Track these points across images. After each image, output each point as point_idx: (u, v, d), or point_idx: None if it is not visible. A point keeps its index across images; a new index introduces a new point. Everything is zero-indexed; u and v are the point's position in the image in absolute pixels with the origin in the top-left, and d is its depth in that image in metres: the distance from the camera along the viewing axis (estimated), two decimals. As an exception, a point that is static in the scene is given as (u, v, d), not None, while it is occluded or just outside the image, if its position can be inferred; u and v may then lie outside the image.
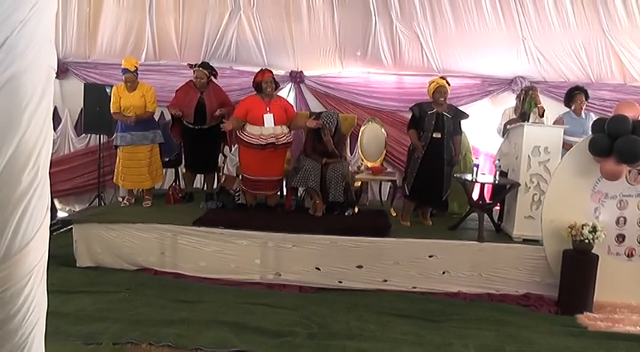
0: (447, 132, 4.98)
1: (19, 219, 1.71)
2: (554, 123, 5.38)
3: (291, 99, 6.47)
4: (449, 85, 5.06)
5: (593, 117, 5.30)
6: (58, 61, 6.29)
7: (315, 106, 6.72)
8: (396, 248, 4.65)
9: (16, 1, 1.65)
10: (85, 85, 6.38)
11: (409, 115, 5.27)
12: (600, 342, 3.70)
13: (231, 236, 4.72)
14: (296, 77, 6.76)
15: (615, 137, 4.11)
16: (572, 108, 5.48)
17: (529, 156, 4.74)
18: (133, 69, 5.27)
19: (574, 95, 5.47)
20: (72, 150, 6.85)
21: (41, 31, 1.72)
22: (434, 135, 4.97)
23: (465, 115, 5.10)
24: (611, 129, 4.15)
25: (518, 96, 5.52)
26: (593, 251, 4.27)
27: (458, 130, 5.12)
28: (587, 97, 5.50)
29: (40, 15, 1.71)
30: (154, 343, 3.37)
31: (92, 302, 3.98)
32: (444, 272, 4.65)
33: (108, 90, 6.15)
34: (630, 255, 4.54)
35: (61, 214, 6.70)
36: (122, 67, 5.26)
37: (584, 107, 5.47)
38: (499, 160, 5.25)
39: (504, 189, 4.98)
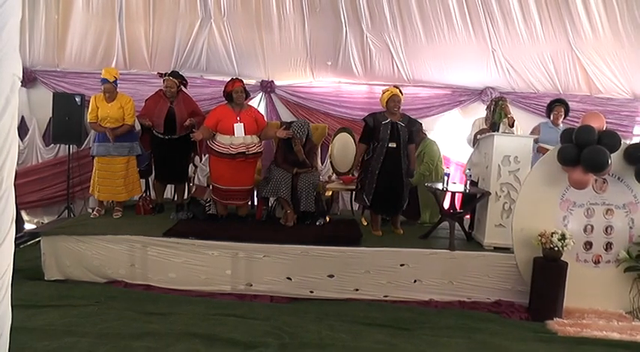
0: (402, 141, 5.01)
1: None
2: (531, 131, 5.51)
3: (261, 109, 6.49)
4: (402, 93, 5.09)
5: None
6: (25, 69, 6.24)
7: (286, 116, 6.75)
8: (368, 257, 4.66)
9: None
10: (54, 94, 6.28)
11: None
12: (569, 347, 3.78)
13: (201, 247, 4.68)
14: (267, 87, 6.77)
15: (582, 147, 4.22)
16: (551, 118, 5.62)
17: (499, 165, 4.82)
18: (112, 79, 5.22)
19: (554, 106, 5.62)
20: (40, 160, 6.72)
21: (4, 39, 1.69)
22: (389, 145, 4.99)
23: (418, 123, 5.14)
24: (579, 139, 4.26)
25: (488, 107, 5.61)
26: (562, 258, 4.37)
27: (412, 139, 5.15)
28: (567, 110, 5.64)
29: (3, 23, 1.68)
30: (124, 356, 3.31)
31: (60, 317, 3.89)
32: (415, 281, 4.68)
33: (77, 99, 6.09)
34: (597, 262, 4.65)
35: (29, 226, 6.55)
36: (102, 76, 5.23)
37: (561, 118, 5.60)
38: (469, 170, 5.32)
39: (475, 198, 5.04)
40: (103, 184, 5.35)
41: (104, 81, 5.22)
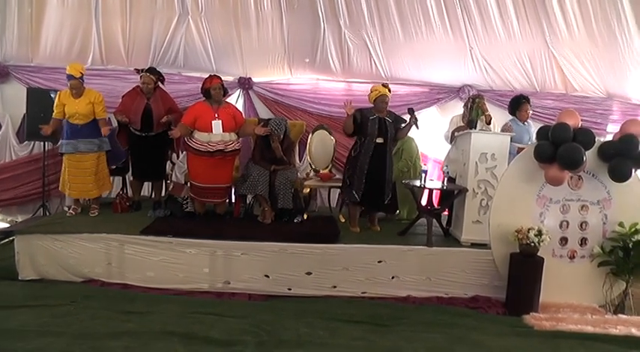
0: (389, 137, 5.05)
1: None
2: (502, 130, 5.54)
3: (239, 106, 6.46)
4: (390, 91, 5.11)
5: (532, 124, 5.58)
6: (-4, 63, 6.11)
7: (264, 113, 6.73)
8: (345, 254, 4.69)
9: None
10: (28, 90, 6.20)
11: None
12: (546, 341, 3.85)
13: (179, 245, 4.66)
14: (244, 83, 6.75)
15: (558, 144, 4.28)
16: (518, 116, 5.65)
17: (476, 162, 4.88)
18: (78, 75, 5.10)
19: (521, 103, 5.65)
20: (14, 157, 6.61)
21: None
22: (377, 141, 5.02)
23: (403, 120, 5.16)
24: (554, 136, 4.33)
25: (465, 104, 5.66)
26: (538, 254, 4.44)
27: (397, 136, 5.18)
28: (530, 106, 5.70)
29: None
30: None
31: (35, 317, 3.83)
32: (393, 277, 4.72)
33: (53, 95, 5.98)
34: (572, 257, 4.75)
35: (2, 225, 6.44)
36: (67, 73, 5.10)
37: (529, 115, 5.66)
38: (447, 166, 5.36)
39: (452, 194, 5.09)
40: (73, 182, 5.26)
41: (70, 77, 5.08)
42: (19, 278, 4.69)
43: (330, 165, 6.26)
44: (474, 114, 5.37)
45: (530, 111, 5.69)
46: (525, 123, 5.63)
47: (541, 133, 4.56)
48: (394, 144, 5.59)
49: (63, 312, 3.96)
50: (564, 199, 4.70)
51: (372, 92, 5.13)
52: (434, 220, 5.05)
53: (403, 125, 5.16)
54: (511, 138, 5.20)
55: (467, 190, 4.89)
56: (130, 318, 3.89)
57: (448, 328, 4.00)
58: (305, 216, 5.43)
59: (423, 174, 5.12)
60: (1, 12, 6.19)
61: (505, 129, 5.52)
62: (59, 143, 5.44)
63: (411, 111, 5.06)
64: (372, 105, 5.12)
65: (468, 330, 3.98)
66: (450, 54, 6.55)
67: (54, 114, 5.23)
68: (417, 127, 5.09)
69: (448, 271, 4.74)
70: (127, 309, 4.08)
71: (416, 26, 6.32)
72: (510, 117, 5.74)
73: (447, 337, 3.82)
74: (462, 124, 5.51)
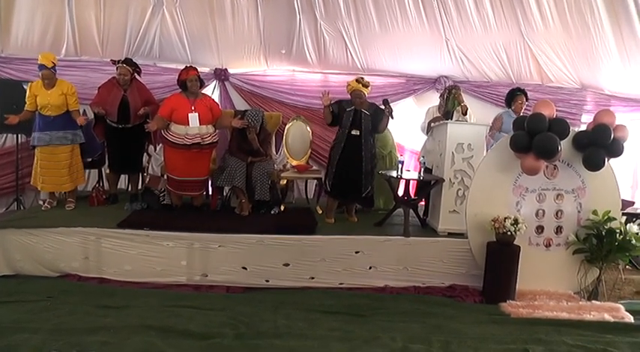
0: (364, 129, 5.06)
1: None
2: (493, 121, 5.64)
3: (215, 97, 6.41)
4: (366, 86, 5.08)
5: None
6: (-34, 54, 5.97)
7: (240, 104, 6.69)
8: (323, 245, 4.71)
9: None
10: (-1, 81, 6.04)
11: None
12: (522, 328, 3.93)
13: (156, 238, 4.64)
14: (220, 75, 6.71)
15: (534, 134, 4.34)
16: (513, 107, 5.73)
17: (453, 152, 4.92)
18: (50, 65, 5.01)
19: (515, 96, 5.74)
20: (-16, 151, 6.46)
21: None
22: (352, 133, 5.04)
23: (383, 113, 5.13)
24: (530, 126, 4.38)
25: (441, 95, 5.70)
26: (515, 242, 4.51)
27: (376, 128, 5.18)
28: (526, 99, 5.76)
29: None
30: (79, 352, 3.28)
31: (10, 313, 3.79)
32: (370, 268, 4.76)
33: (25, 86, 5.86)
34: (548, 245, 4.83)
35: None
36: (38, 62, 5.00)
37: (524, 107, 5.71)
38: (423, 157, 5.40)
39: (429, 185, 5.14)
40: (46, 175, 5.18)
41: (41, 67, 4.99)
42: (-8, 274, 4.63)
43: (307, 157, 6.25)
44: (450, 105, 5.42)
45: (525, 104, 5.73)
46: (520, 115, 5.67)
47: (517, 124, 4.62)
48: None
49: (39, 308, 3.94)
50: (540, 188, 4.77)
51: (348, 86, 5.15)
52: (411, 210, 5.09)
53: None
54: (503, 129, 5.34)
55: (443, 180, 4.93)
56: (108, 313, 3.88)
57: (426, 317, 4.06)
58: (282, 208, 5.45)
59: (400, 165, 5.15)
60: (-31, 1, 6.04)
61: (494, 119, 5.64)
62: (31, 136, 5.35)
63: (385, 102, 5.08)
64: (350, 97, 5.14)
65: (446, 319, 4.04)
66: (426, 45, 6.55)
67: (26, 105, 5.14)
68: (392, 118, 5.10)
69: (425, 261, 4.78)
70: (105, 304, 4.06)
71: (392, 17, 6.30)
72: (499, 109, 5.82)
73: (424, 326, 3.87)
74: (439, 115, 5.55)
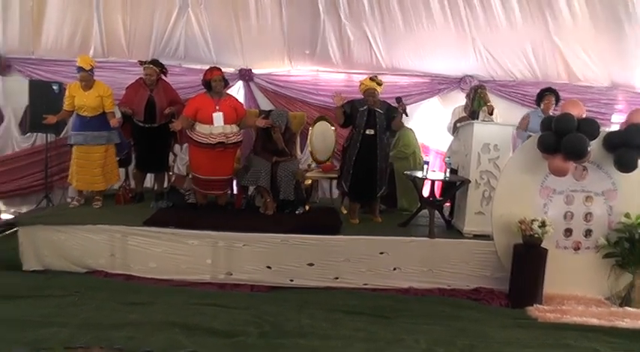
0: (379, 128, 5.03)
1: None
2: (521, 120, 5.57)
3: (240, 97, 6.44)
4: (380, 85, 5.05)
5: None
6: (-1, 56, 6.12)
7: (265, 104, 6.72)
8: (347, 245, 4.69)
9: None
10: (30, 82, 6.22)
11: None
12: (549, 333, 3.84)
13: (181, 236, 4.67)
14: (245, 75, 6.74)
15: (562, 135, 4.26)
16: (541, 107, 5.65)
17: (479, 153, 4.85)
18: (88, 68, 5.13)
19: (544, 95, 5.65)
20: (16, 149, 6.64)
21: None
22: (367, 132, 5.02)
23: (396, 110, 5.09)
24: (558, 127, 4.31)
25: (467, 95, 5.63)
26: (542, 245, 4.41)
27: (390, 127, 5.16)
28: (557, 99, 5.67)
29: None
30: (105, 347, 3.31)
31: (39, 307, 3.86)
32: (394, 269, 4.72)
33: (55, 87, 6.02)
34: (577, 249, 4.74)
35: (6, 216, 6.47)
36: (77, 65, 5.14)
37: (552, 107, 5.62)
38: (449, 158, 5.34)
39: (454, 185, 5.08)
40: (81, 173, 5.29)
41: (80, 70, 5.12)
42: (23, 269, 4.72)
43: (331, 156, 6.25)
44: (476, 104, 5.36)
45: (553, 104, 5.62)
46: (548, 115, 5.57)
47: (544, 124, 4.54)
48: (392, 136, 5.57)
49: (67, 303, 4.00)
50: (568, 190, 4.68)
51: (361, 85, 5.13)
52: (436, 211, 5.04)
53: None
54: (530, 129, 5.26)
55: (469, 181, 4.87)
56: (133, 309, 3.92)
57: (450, 320, 4.01)
58: (307, 208, 5.43)
59: (425, 165, 5.11)
60: (3, 6, 6.18)
61: (522, 118, 5.57)
62: (67, 134, 5.47)
63: (398, 100, 5.05)
64: (363, 96, 5.11)
65: (470, 322, 3.98)
66: (451, 44, 6.49)
67: (64, 105, 5.28)
68: (407, 115, 5.08)
69: (450, 263, 4.73)
70: (130, 300, 4.11)
71: (417, 16, 6.26)
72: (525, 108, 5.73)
73: (449, 329, 3.82)
74: (464, 115, 5.49)
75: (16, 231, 4.84)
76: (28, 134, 6.60)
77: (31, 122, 6.20)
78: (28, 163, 6.63)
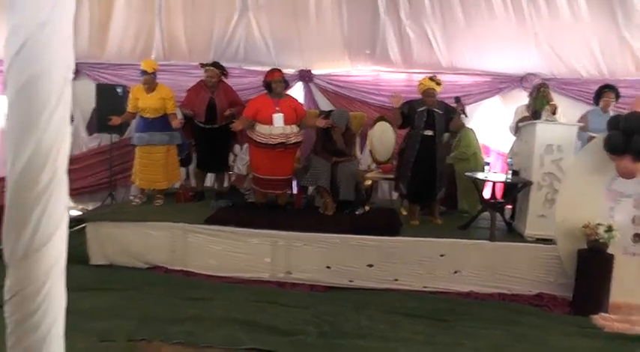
0: (438, 129, 4.96)
1: (38, 217, 1.73)
2: (579, 120, 5.35)
3: (300, 98, 6.45)
4: (439, 85, 4.98)
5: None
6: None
7: (325, 105, 6.71)
8: (407, 247, 4.63)
9: (36, 4, 1.66)
10: (98, 86, 6.44)
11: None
12: (616, 344, 3.66)
13: (241, 234, 4.73)
14: (305, 76, 6.76)
15: (631, 134, 4.07)
16: (600, 105, 5.46)
17: (541, 154, 4.70)
18: (151, 71, 5.33)
19: (603, 92, 5.46)
20: (84, 149, 6.89)
21: (60, 31, 1.73)
22: (425, 133, 4.95)
23: (454, 110, 5.01)
24: (627, 126, 4.11)
25: (530, 94, 5.47)
26: (608, 251, 4.22)
27: (448, 127, 5.12)
28: (617, 96, 5.47)
29: (60, 15, 1.72)
30: (166, 340, 3.40)
31: (105, 300, 4.02)
32: (455, 272, 4.63)
33: (119, 90, 6.22)
34: (647, 255, 4.47)
35: (74, 212, 6.74)
36: (141, 68, 5.32)
37: (612, 105, 5.43)
38: (511, 159, 5.22)
39: (516, 187, 4.94)
40: (143, 172, 5.47)
41: (143, 73, 5.32)
42: (90, 263, 4.90)
43: (392, 157, 6.19)
44: (539, 104, 5.18)
45: (613, 101, 5.43)
46: (608, 113, 5.36)
47: (611, 123, 4.34)
48: (453, 136, 5.50)
49: (130, 296, 4.14)
50: (638, 193, 4.44)
51: (419, 85, 5.06)
52: (497, 214, 4.92)
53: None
54: (589, 128, 5.03)
55: (531, 183, 4.72)
56: (193, 304, 4.00)
57: (511, 325, 3.89)
58: (366, 208, 5.39)
59: (487, 167, 5.00)
60: (74, 14, 6.44)
61: (580, 118, 5.37)
62: (130, 134, 5.66)
63: (457, 100, 4.97)
64: (422, 96, 5.05)
65: (532, 328, 3.85)
66: (512, 41, 6.27)
67: (128, 107, 5.47)
68: (466, 116, 5.00)
69: (512, 267, 4.60)
70: (190, 296, 4.19)
71: (477, 12, 6.08)
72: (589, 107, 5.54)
73: (509, 334, 3.72)
74: (527, 115, 5.33)
75: (84, 227, 5.01)
76: (94, 135, 6.84)
77: (97, 123, 6.42)
78: (94, 162, 6.86)
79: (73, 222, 5.84)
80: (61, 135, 1.77)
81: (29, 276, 1.76)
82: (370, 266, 4.64)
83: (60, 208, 1.81)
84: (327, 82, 6.79)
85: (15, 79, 1.68)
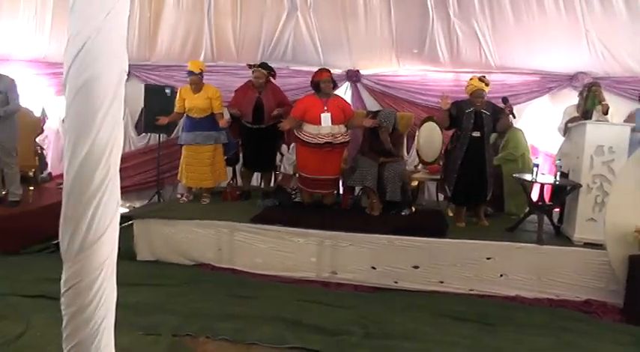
0: (486, 130, 4.88)
1: (93, 213, 1.81)
2: (626, 119, 5.20)
3: (347, 98, 6.43)
4: (487, 84, 4.90)
5: None
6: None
7: (372, 105, 6.66)
8: (453, 249, 4.58)
9: (93, 10, 1.74)
10: (146, 87, 6.57)
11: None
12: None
13: (287, 233, 4.76)
14: (352, 76, 6.73)
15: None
16: None
17: (592, 155, 4.55)
18: (198, 71, 5.42)
19: None
20: (132, 148, 7.06)
21: (115, 35, 1.81)
22: (473, 134, 4.87)
23: (501, 111, 4.91)
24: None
25: (580, 93, 5.33)
26: (662, 258, 4.06)
27: (496, 128, 5.03)
28: None
29: (115, 20, 1.79)
30: (212, 336, 3.44)
31: (151, 295, 4.09)
32: (501, 275, 4.55)
33: (168, 91, 6.35)
34: None
35: (122, 210, 6.95)
36: (188, 69, 5.41)
37: None
38: (559, 160, 5.10)
39: (565, 190, 4.82)
40: (190, 171, 5.55)
41: (190, 73, 5.41)
42: (137, 259, 5.03)
43: (439, 158, 6.13)
44: (590, 103, 5.04)
45: None
46: None
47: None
48: (501, 137, 5.42)
49: (177, 292, 4.21)
50: (696, 197, 4.28)
51: (468, 85, 4.98)
52: (545, 217, 4.81)
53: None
54: (637, 128, 4.83)
55: (581, 186, 4.58)
56: (239, 302, 4.04)
57: (558, 332, 3.78)
58: (413, 209, 5.34)
59: (535, 168, 4.90)
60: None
61: (629, 119, 5.17)
62: (177, 134, 5.79)
63: (505, 101, 4.87)
64: (469, 97, 4.97)
65: (580, 335, 3.73)
66: (562, 38, 6.08)
67: (175, 107, 5.57)
68: (514, 116, 4.91)
69: (560, 272, 4.47)
70: (236, 293, 4.25)
71: (528, 10, 5.94)
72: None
73: (556, 341, 3.61)
74: (577, 115, 5.20)
75: (131, 223, 5.12)
76: (142, 134, 7.02)
77: (145, 123, 6.56)
78: (142, 161, 7.04)
79: (121, 219, 6.03)
80: (114, 135, 1.84)
81: (84, 270, 1.83)
82: (416, 267, 4.60)
83: (113, 205, 1.89)
84: (375, 82, 6.74)
85: (73, 81, 1.76)
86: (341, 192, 5.76)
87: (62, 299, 1.87)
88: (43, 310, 3.72)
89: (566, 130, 5.22)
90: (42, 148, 6.90)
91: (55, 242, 5.23)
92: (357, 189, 5.67)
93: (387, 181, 5.13)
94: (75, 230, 1.81)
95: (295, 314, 3.82)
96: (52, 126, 7.36)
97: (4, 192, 5.60)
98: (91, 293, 1.85)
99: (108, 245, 1.90)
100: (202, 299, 4.06)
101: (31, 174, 6.14)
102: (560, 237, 4.85)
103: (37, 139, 6.57)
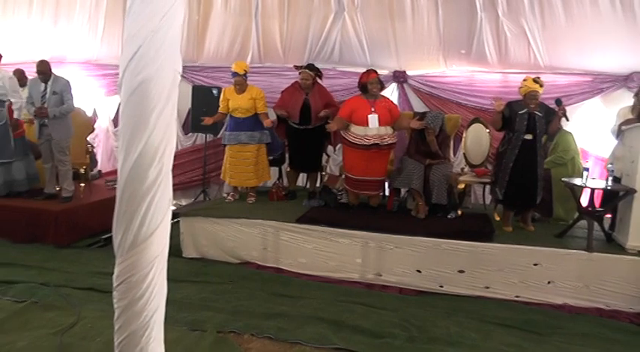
0: (539, 132, 4.76)
1: (145, 210, 1.88)
2: None
3: (394, 99, 6.34)
4: (542, 86, 4.77)
5: None
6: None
7: (419, 106, 6.61)
8: (500, 254, 4.50)
9: (151, 11, 1.80)
10: (194, 87, 6.72)
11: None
12: None
13: (332, 234, 4.77)
14: (399, 77, 6.69)
15: None
16: None
17: (647, 160, 4.40)
18: (242, 72, 5.47)
19: None
20: (179, 148, 7.15)
21: (169, 38, 1.87)
22: (525, 137, 4.76)
23: (554, 113, 4.78)
24: None
25: (635, 94, 5.14)
26: None
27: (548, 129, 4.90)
28: None
29: (169, 24, 1.85)
30: (256, 334, 3.49)
31: (197, 292, 4.18)
32: (549, 282, 4.44)
33: (215, 91, 6.47)
34: None
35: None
36: (232, 70, 5.48)
37: None
38: (612, 164, 4.93)
39: (617, 195, 4.67)
40: (234, 170, 5.62)
41: (234, 74, 5.47)
42: (183, 255, 5.13)
43: (485, 161, 6.04)
44: (645, 105, 4.89)
45: None
46: None
47: None
48: (550, 140, 5.30)
49: (222, 290, 4.28)
50: None
51: (522, 86, 4.85)
52: (595, 223, 4.68)
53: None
54: None
55: (635, 191, 4.41)
56: (284, 301, 4.08)
57: (608, 343, 3.67)
58: (459, 213, 5.26)
59: (585, 172, 4.77)
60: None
61: None
62: (221, 134, 5.89)
63: (558, 102, 4.75)
64: (523, 98, 4.85)
65: (632, 348, 3.61)
66: (616, 37, 5.84)
67: (220, 108, 5.63)
68: (567, 119, 4.78)
69: (610, 280, 4.33)
70: (281, 292, 4.29)
71: (579, 8, 5.76)
72: None
73: (606, 353, 3.50)
74: (631, 117, 5.02)
75: (177, 221, 5.18)
76: (189, 134, 7.16)
77: (192, 123, 6.71)
78: (189, 160, 7.18)
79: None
80: (167, 134, 1.91)
81: (136, 265, 1.90)
82: (461, 272, 4.54)
83: (165, 202, 1.95)
84: (421, 83, 6.68)
85: (129, 82, 1.83)
86: (387, 193, 5.74)
87: (114, 293, 1.94)
88: (93, 302, 3.87)
89: (619, 133, 5.06)
90: (92, 146, 7.12)
91: (105, 236, 5.42)
92: (403, 191, 5.64)
93: (433, 184, 5.08)
94: (128, 226, 1.88)
95: (338, 315, 3.83)
96: (102, 125, 7.63)
97: (57, 188, 5.84)
98: (142, 288, 1.91)
99: (160, 241, 1.96)
100: (247, 298, 4.12)
101: (82, 171, 6.34)
102: (612, 244, 4.69)
103: (88, 138, 6.80)
